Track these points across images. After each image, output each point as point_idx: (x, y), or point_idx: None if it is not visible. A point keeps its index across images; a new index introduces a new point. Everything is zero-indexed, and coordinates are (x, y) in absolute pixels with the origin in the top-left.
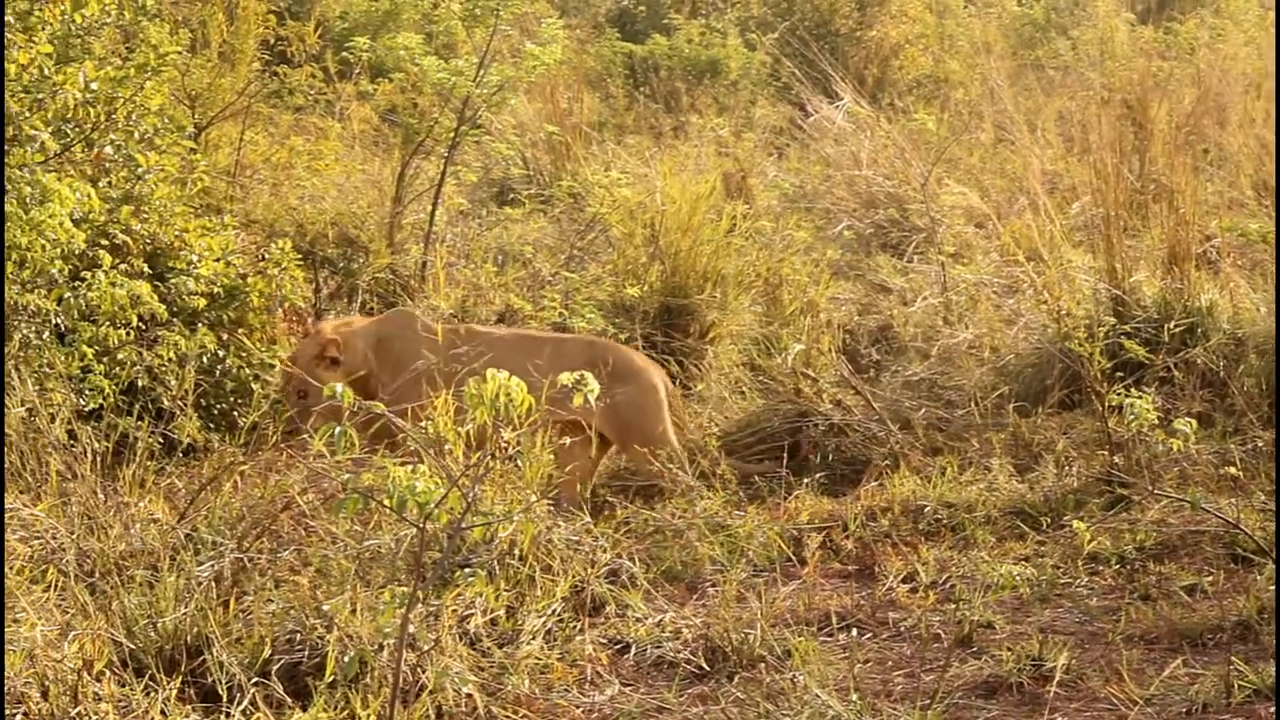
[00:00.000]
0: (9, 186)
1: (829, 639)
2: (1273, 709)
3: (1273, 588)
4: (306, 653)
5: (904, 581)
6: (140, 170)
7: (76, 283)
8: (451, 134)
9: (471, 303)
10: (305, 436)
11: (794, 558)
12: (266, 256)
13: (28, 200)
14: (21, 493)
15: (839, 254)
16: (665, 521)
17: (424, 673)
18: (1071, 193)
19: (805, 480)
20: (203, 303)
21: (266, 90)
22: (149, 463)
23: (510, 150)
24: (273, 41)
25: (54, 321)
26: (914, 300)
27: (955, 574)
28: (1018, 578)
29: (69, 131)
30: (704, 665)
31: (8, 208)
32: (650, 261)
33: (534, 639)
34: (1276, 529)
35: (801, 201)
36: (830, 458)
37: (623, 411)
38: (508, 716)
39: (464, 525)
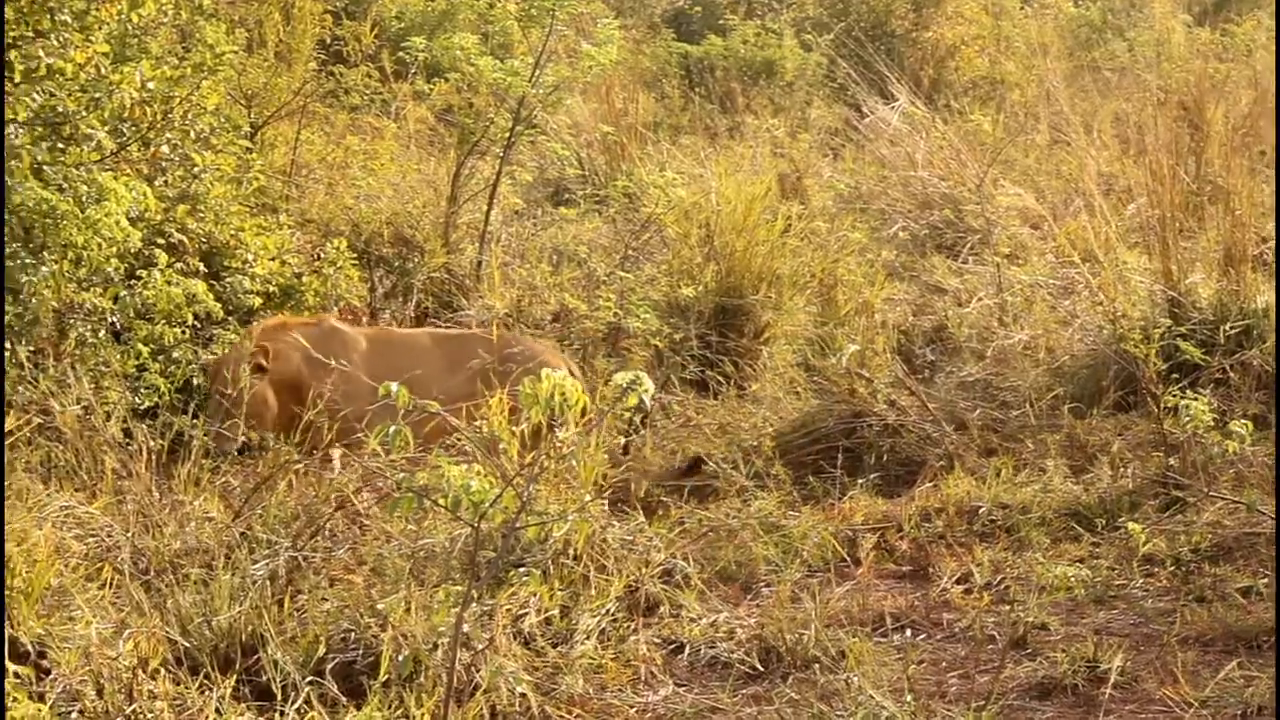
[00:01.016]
0: (65, 185)
1: (883, 640)
2: None
3: None
4: (361, 651)
5: (958, 583)
6: (196, 169)
7: (132, 281)
8: (507, 134)
9: (527, 302)
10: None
11: (848, 558)
12: (322, 256)
13: (84, 199)
14: (77, 490)
15: (894, 255)
16: (719, 522)
17: (478, 672)
18: (1127, 194)
19: (860, 481)
20: (258, 301)
21: (322, 90)
22: (204, 461)
23: (565, 150)
24: (329, 41)
25: (110, 320)
26: (969, 301)
27: (1010, 575)
28: (1072, 579)
29: (125, 130)
30: (758, 666)
31: (63, 206)
32: (705, 262)
33: (588, 639)
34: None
35: (857, 202)
36: (885, 458)
37: None
38: (562, 716)
39: (519, 525)
